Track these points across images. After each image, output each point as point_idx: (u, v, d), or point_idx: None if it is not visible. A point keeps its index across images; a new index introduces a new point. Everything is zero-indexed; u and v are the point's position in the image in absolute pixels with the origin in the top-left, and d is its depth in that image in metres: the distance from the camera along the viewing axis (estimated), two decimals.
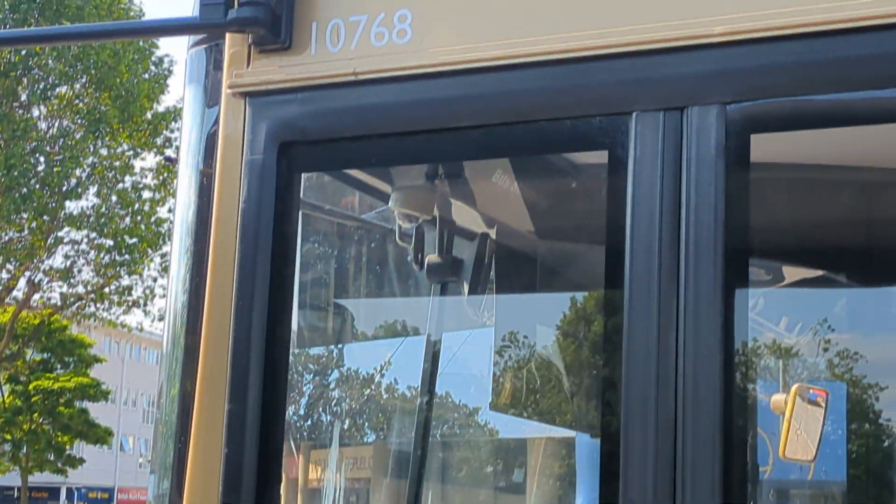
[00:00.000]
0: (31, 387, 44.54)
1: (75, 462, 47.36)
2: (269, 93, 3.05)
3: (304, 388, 5.26)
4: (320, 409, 5.24)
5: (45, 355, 46.63)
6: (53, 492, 69.85)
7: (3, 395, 44.28)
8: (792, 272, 4.61)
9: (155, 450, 3.47)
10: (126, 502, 75.04)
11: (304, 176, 3.20)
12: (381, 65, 2.99)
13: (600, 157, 2.81)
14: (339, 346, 5.21)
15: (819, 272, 4.59)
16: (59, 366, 46.90)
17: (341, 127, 3.09)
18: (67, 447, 46.99)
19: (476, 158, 3.59)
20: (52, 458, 46.48)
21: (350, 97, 3.03)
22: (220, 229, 3.04)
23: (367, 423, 5.54)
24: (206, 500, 2.90)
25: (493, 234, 4.46)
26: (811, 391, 4.24)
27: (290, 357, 3.12)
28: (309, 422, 5.41)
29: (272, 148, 3.00)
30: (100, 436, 46.28)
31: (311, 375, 5.16)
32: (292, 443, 5.83)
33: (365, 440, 5.66)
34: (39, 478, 51.45)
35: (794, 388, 4.16)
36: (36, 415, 44.70)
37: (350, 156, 3.25)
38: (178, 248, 3.38)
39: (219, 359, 2.96)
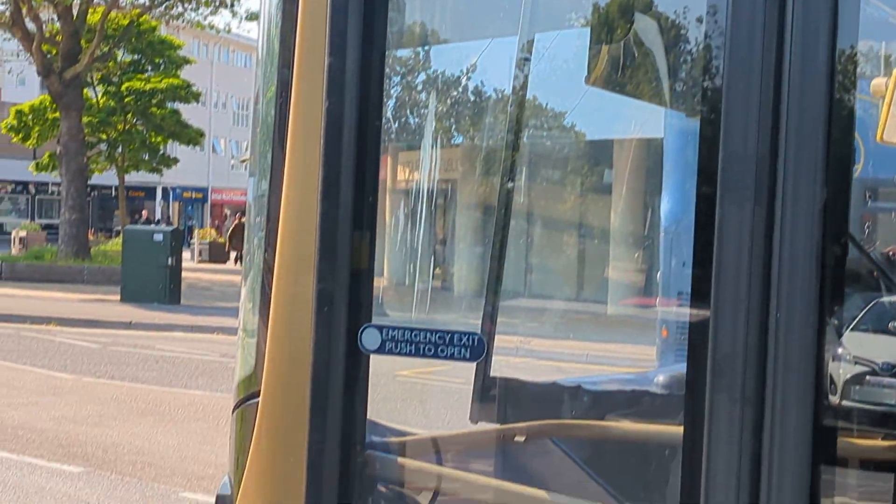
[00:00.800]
0: (123, 87, 45.09)
1: (169, 162, 48.33)
2: None
3: (393, 91, 5.26)
4: (409, 112, 5.25)
5: (136, 56, 47.00)
6: (149, 191, 71.73)
7: (97, 96, 44.93)
8: None
9: (253, 152, 3.50)
10: (219, 202, 76.97)
11: None
12: None
13: None
14: (428, 48, 5.17)
15: None
16: (149, 67, 47.30)
17: None
18: (161, 147, 47.87)
19: None
20: (146, 157, 47.45)
21: None
22: None
23: (455, 126, 5.56)
24: (305, 202, 2.89)
25: None
26: None
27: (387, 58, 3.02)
28: (397, 124, 5.44)
29: None
30: (192, 137, 47.02)
31: (400, 78, 5.15)
32: (382, 145, 5.90)
33: (453, 142, 5.69)
34: (135, 177, 52.70)
35: None
36: (129, 115, 45.40)
37: None
38: None
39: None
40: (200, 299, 28.94)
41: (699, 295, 2.39)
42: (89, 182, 41.17)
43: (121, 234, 33.73)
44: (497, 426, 4.16)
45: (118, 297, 27.62)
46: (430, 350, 2.78)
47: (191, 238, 50.09)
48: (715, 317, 2.31)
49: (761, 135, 2.28)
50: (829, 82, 2.30)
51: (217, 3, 36.86)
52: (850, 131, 2.51)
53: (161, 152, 47.99)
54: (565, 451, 3.82)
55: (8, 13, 35.80)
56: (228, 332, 20.87)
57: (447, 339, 2.78)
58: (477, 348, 2.80)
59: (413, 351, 2.79)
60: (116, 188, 51.16)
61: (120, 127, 45.02)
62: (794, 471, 2.27)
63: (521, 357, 6.92)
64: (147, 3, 38.74)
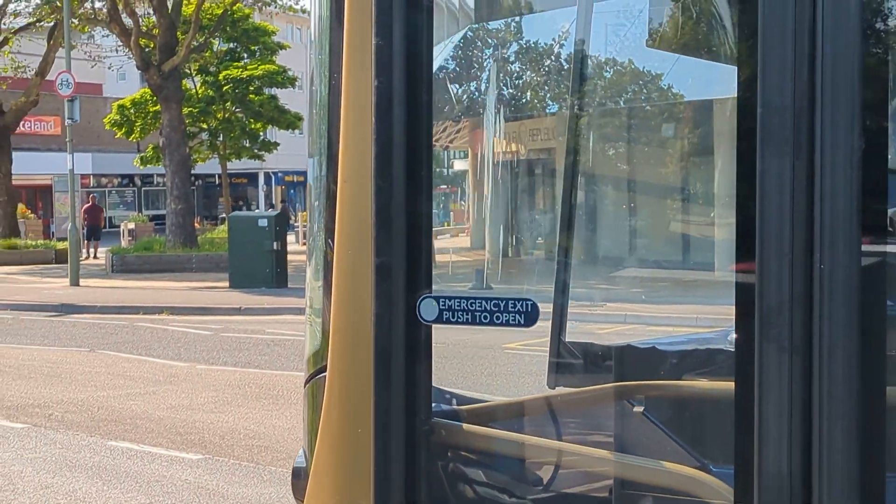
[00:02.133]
0: (220, 76, 45.55)
1: (270, 147, 48.76)
2: None
3: (485, 63, 5.21)
4: (500, 83, 5.20)
5: (232, 45, 47.43)
6: (252, 177, 72.48)
7: (195, 86, 45.44)
8: None
9: (310, 133, 3.51)
10: None
11: None
12: None
13: None
14: (518, 18, 5.12)
15: None
16: (245, 55, 47.71)
17: None
18: (261, 133, 48.29)
19: None
20: (247, 144, 47.91)
21: None
22: None
23: (550, 94, 5.50)
24: (360, 178, 2.92)
25: None
26: None
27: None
28: (493, 96, 5.39)
29: None
30: (290, 121, 47.34)
31: (490, 50, 5.11)
32: (473, 117, 5.85)
33: (547, 110, 5.63)
34: (237, 164, 53.27)
35: None
36: (228, 103, 45.86)
37: None
38: None
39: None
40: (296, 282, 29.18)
41: (745, 249, 2.40)
42: (193, 171, 41.69)
43: (226, 221, 34.10)
44: (569, 390, 4.21)
45: (227, 284, 27.95)
46: (485, 318, 2.84)
47: (294, 221, 50.49)
48: (760, 269, 2.33)
49: (797, 87, 2.29)
50: (862, 33, 2.29)
51: None
52: (885, 80, 2.50)
53: (261, 138, 48.41)
54: (646, 414, 3.82)
55: (105, 10, 36.34)
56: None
57: (501, 306, 2.83)
58: (531, 313, 2.83)
59: (470, 319, 2.86)
60: (220, 176, 51.76)
61: (220, 115, 45.50)
62: (844, 420, 2.28)
63: (629, 324, 6.85)
64: None
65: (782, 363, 2.31)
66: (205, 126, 46.18)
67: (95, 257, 41.63)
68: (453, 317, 2.86)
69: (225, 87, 45.49)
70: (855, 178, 2.25)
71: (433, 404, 3.13)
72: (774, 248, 2.31)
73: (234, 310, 23.78)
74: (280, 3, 40.22)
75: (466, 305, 2.86)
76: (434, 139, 2.99)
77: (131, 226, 45.26)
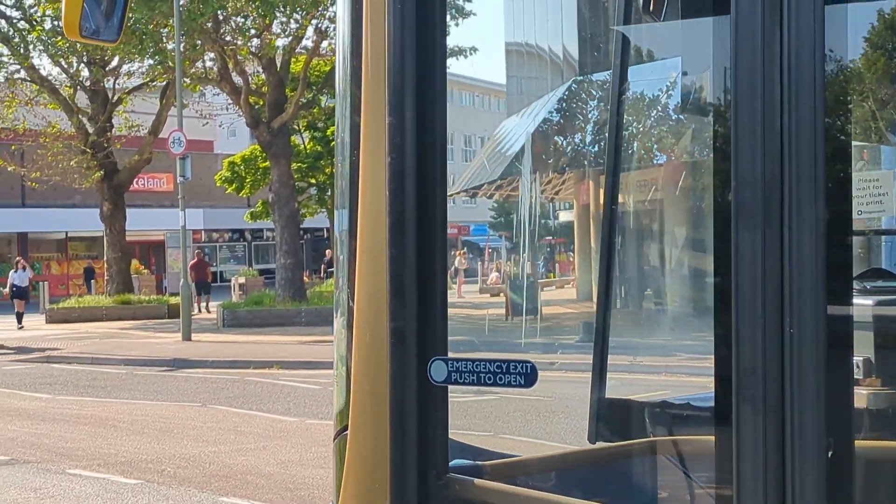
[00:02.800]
0: (328, 132, 46.08)
1: None
2: None
3: (589, 114, 5.17)
4: (605, 134, 5.17)
5: None
6: None
7: (304, 142, 46.00)
8: None
9: (337, 186, 3.62)
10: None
11: None
12: None
13: None
14: (622, 70, 5.08)
15: None
16: None
17: None
18: None
19: None
20: None
21: None
22: None
23: (655, 146, 5.44)
24: (376, 243, 3.11)
25: None
26: None
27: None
28: (596, 147, 5.34)
29: None
30: None
31: (595, 101, 5.07)
32: (582, 169, 5.82)
33: (655, 161, 5.56)
34: None
35: None
36: (335, 158, 46.29)
37: None
38: None
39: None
40: None
41: (721, 315, 2.58)
42: (301, 226, 42.09)
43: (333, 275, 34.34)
44: (600, 446, 4.28)
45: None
46: (489, 379, 2.98)
47: None
48: (736, 334, 2.47)
49: (767, 162, 2.45)
50: (823, 112, 2.44)
51: None
52: (847, 152, 2.70)
53: None
54: (678, 467, 3.90)
55: (216, 69, 37.00)
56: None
57: (504, 368, 2.96)
58: (530, 375, 2.96)
59: (475, 380, 3.00)
60: (328, 229, 52.21)
61: (328, 171, 45.97)
62: (813, 475, 2.42)
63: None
64: None
65: (757, 423, 2.44)
66: (313, 181, 46.69)
67: (208, 311, 42.19)
68: (461, 378, 3.00)
69: (332, 143, 45.94)
70: (820, 246, 2.40)
71: (455, 460, 3.28)
72: (749, 313, 2.45)
73: None
74: None
75: (472, 367, 2.99)
76: (539, 191, 3.06)
77: (241, 280, 45.81)
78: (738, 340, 2.47)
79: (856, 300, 3.37)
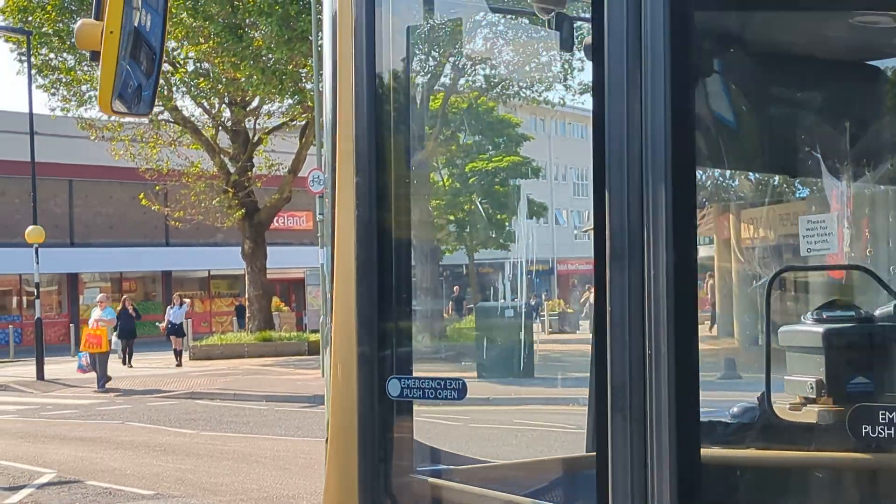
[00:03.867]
0: (466, 169, 46.30)
1: (515, 237, 49.18)
2: None
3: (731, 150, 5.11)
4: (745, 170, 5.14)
5: (476, 137, 48.22)
6: (497, 266, 73.08)
7: (442, 179, 46.31)
8: None
9: (325, 226, 4.11)
10: (565, 272, 77.55)
11: None
12: None
13: None
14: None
15: None
16: (489, 147, 48.42)
17: None
18: (506, 224, 48.78)
19: None
20: (493, 234, 48.44)
21: None
22: None
23: (797, 179, 5.37)
24: (347, 283, 3.73)
25: None
26: None
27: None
28: (736, 182, 5.29)
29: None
30: (535, 211, 47.70)
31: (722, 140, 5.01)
32: (717, 203, 5.79)
33: (798, 195, 5.49)
34: (483, 254, 53.87)
35: None
36: (474, 195, 46.52)
37: None
38: None
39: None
40: (553, 371, 29.09)
41: (598, 339, 3.09)
42: (440, 262, 42.29)
43: (472, 312, 34.38)
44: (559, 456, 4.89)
45: (474, 374, 28.12)
46: (431, 393, 3.64)
47: (540, 310, 50.60)
48: (610, 353, 3.01)
49: (631, 212, 3.03)
50: (672, 177, 3.00)
51: (551, 80, 37.43)
52: (692, 207, 3.15)
53: (507, 228, 48.88)
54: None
55: None
56: (583, 403, 20.81)
57: (442, 385, 3.65)
58: (462, 390, 3.78)
59: (421, 395, 3.66)
60: (466, 266, 52.40)
61: (466, 207, 46.17)
62: (670, 471, 2.92)
63: None
64: (484, 86, 39.71)
65: (626, 430, 2.96)
66: (452, 218, 46.92)
67: None
68: (410, 393, 3.68)
69: (471, 180, 46.19)
70: (670, 283, 2.94)
71: (423, 465, 4.06)
72: (618, 336, 3.00)
73: (482, 399, 23.84)
74: (523, 95, 40.71)
75: (418, 384, 3.66)
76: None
77: None
78: (612, 360, 3.02)
79: (805, 327, 4.58)
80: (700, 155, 3.73)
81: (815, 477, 4.41)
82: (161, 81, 39.71)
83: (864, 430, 2.98)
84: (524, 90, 38.96)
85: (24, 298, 55.42)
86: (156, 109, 41.31)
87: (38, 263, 39.19)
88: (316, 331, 39.04)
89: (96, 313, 32.97)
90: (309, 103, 35.59)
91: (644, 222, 3.02)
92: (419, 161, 4.30)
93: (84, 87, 39.39)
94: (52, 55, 39.90)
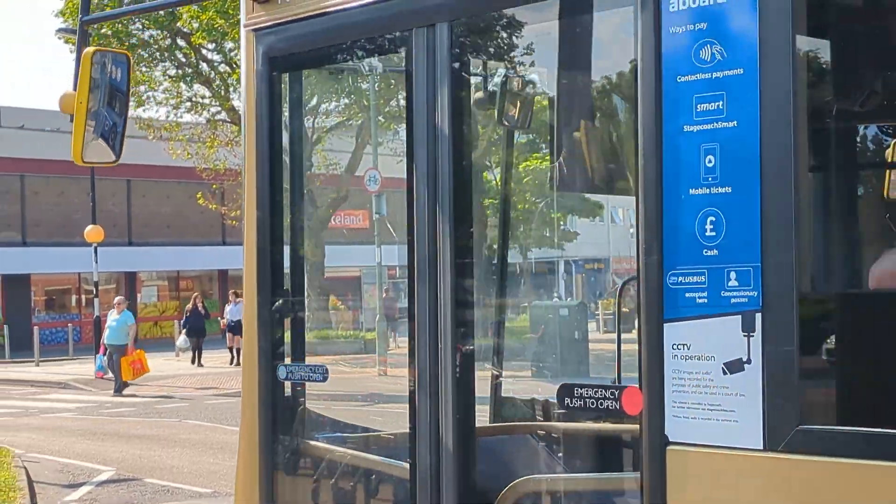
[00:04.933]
0: (520, 167, 46.22)
1: (570, 236, 49.04)
2: (262, 28, 5.22)
3: None
4: None
5: (530, 136, 48.10)
6: (552, 266, 72.83)
7: (495, 178, 46.21)
8: None
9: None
10: (621, 270, 77.04)
11: (284, 74, 5.42)
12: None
13: None
14: None
15: None
16: (543, 146, 48.27)
17: (308, 43, 5.17)
18: (561, 223, 48.64)
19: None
20: (547, 234, 48.32)
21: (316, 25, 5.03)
22: None
23: None
24: (250, 287, 5.51)
25: None
26: None
27: None
28: None
29: (266, 59, 5.23)
30: (590, 209, 47.52)
31: None
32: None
33: None
34: (538, 253, 53.76)
35: None
36: (528, 195, 46.44)
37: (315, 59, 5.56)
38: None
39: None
40: (607, 371, 28.96)
41: (413, 341, 4.75)
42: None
43: (526, 310, 34.37)
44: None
45: (529, 374, 28.06)
46: (305, 377, 5.32)
47: (596, 310, 50.45)
48: (417, 354, 4.69)
49: (430, 249, 4.69)
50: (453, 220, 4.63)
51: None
52: (469, 247, 4.70)
53: (562, 227, 48.73)
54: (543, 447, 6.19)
55: None
56: None
57: (311, 370, 5.26)
58: (326, 374, 5.17)
59: (298, 378, 5.33)
60: (520, 265, 52.29)
61: (520, 207, 46.08)
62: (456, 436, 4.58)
63: None
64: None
65: (426, 406, 4.72)
66: (505, 217, 46.81)
67: (397, 346, 42.60)
68: (291, 377, 5.27)
69: (525, 179, 46.09)
70: (449, 299, 4.60)
71: (318, 434, 5.66)
72: (424, 339, 4.71)
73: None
74: None
75: (296, 370, 5.28)
76: None
77: None
78: (418, 359, 4.61)
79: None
80: None
81: None
82: (218, 82, 40.05)
83: None
84: None
85: (83, 297, 55.94)
86: (213, 109, 41.58)
87: (96, 262, 39.64)
88: (372, 329, 39.16)
89: (112, 317, 31.77)
90: (365, 102, 35.70)
91: (437, 254, 4.57)
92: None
93: (142, 88, 39.68)
94: None
